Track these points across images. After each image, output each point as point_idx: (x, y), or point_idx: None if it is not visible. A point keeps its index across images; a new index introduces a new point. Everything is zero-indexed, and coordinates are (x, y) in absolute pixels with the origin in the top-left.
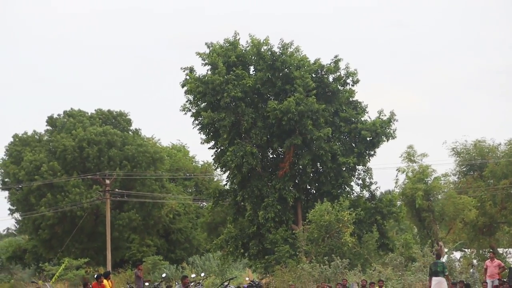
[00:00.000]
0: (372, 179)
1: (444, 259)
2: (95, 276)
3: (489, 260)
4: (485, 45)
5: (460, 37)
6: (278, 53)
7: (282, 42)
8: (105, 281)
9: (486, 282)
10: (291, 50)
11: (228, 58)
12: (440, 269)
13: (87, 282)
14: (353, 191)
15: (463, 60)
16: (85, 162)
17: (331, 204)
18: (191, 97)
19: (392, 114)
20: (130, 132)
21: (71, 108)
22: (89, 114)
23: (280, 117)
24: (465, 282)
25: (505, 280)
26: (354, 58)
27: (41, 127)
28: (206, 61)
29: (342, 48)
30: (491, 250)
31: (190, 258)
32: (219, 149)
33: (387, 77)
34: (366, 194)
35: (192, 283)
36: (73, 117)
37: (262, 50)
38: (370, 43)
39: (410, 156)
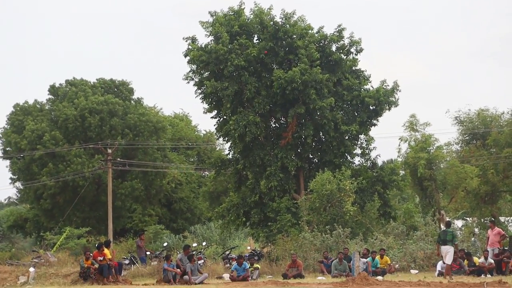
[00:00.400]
0: (371, 145)
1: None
2: (96, 245)
3: (490, 229)
4: (490, 13)
5: (464, 5)
6: (280, 22)
7: (284, 12)
8: (106, 250)
9: (487, 251)
10: (295, 19)
11: (231, 28)
12: (450, 238)
13: (88, 251)
14: (355, 160)
15: (467, 29)
16: (86, 131)
17: (333, 173)
18: (194, 67)
19: (396, 84)
20: (132, 101)
21: (73, 77)
22: (91, 83)
23: (285, 86)
24: (466, 251)
25: (506, 248)
26: (356, 27)
27: (43, 96)
28: (209, 31)
29: (345, 16)
30: (492, 219)
31: (191, 227)
32: (221, 118)
33: (390, 46)
34: (368, 163)
35: (194, 252)
36: (75, 86)
37: (265, 19)
38: (372, 12)
39: (412, 125)
